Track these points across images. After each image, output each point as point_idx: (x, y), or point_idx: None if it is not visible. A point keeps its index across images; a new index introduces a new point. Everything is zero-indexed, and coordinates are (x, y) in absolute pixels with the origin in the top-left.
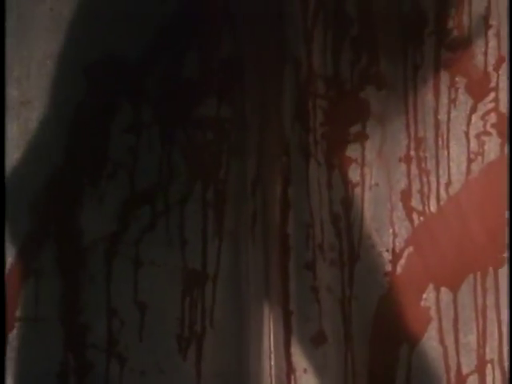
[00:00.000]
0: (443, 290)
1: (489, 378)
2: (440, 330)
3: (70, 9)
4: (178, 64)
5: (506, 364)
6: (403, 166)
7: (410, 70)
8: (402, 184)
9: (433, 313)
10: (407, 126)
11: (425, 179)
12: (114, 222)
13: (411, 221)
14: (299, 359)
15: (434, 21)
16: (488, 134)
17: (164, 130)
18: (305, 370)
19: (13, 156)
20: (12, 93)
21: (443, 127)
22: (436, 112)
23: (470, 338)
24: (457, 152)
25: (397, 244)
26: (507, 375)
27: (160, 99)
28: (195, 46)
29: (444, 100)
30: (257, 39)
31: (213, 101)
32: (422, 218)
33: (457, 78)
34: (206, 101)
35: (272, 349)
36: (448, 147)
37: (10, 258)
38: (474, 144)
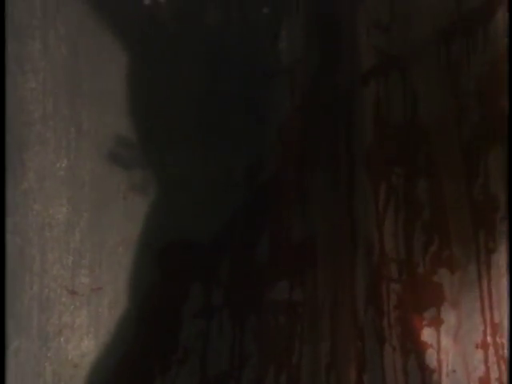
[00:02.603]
0: None
1: None
2: None
3: (144, 198)
4: (251, 247)
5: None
6: (480, 353)
7: (483, 254)
8: (480, 371)
9: None
10: (482, 311)
11: (503, 367)
12: None
13: None
14: None
15: (505, 206)
16: None
17: (235, 314)
18: None
19: (85, 344)
20: (83, 280)
21: None
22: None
23: None
24: None
25: None
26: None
27: (232, 282)
28: (267, 229)
29: None
30: (329, 222)
31: (285, 284)
32: None
33: None
34: (277, 284)
35: None
36: None
37: None
38: None
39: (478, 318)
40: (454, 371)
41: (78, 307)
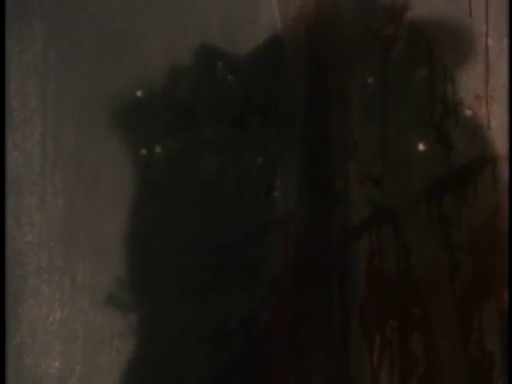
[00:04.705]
0: None
1: None
2: None
3: (138, 351)
4: None
5: None
6: None
7: None
8: None
9: None
10: None
11: None
12: None
13: None
14: None
15: (501, 363)
16: None
17: None
18: None
19: None
20: None
21: None
22: None
23: None
24: None
25: None
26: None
27: None
28: (262, 381)
29: None
30: (323, 375)
31: None
32: None
33: None
34: None
35: None
36: None
37: None
38: None
39: None
40: None
41: None
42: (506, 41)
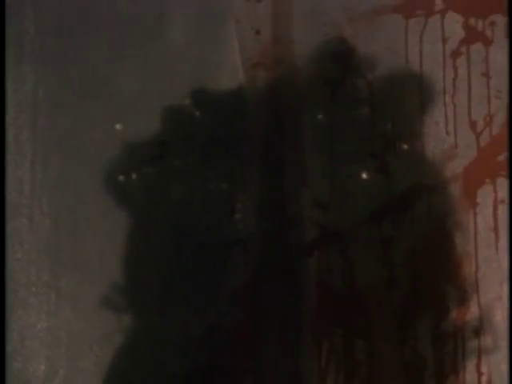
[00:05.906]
0: None
1: None
2: None
3: (114, 354)
4: None
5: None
6: None
7: None
8: None
9: None
10: None
11: None
12: None
13: None
14: None
15: (432, 366)
16: None
17: None
18: None
19: None
20: None
21: None
22: None
23: None
24: None
25: None
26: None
27: None
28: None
29: None
30: (277, 378)
31: None
32: None
33: None
34: None
35: None
36: None
37: None
38: None
39: None
40: None
41: None
42: (437, 85)
